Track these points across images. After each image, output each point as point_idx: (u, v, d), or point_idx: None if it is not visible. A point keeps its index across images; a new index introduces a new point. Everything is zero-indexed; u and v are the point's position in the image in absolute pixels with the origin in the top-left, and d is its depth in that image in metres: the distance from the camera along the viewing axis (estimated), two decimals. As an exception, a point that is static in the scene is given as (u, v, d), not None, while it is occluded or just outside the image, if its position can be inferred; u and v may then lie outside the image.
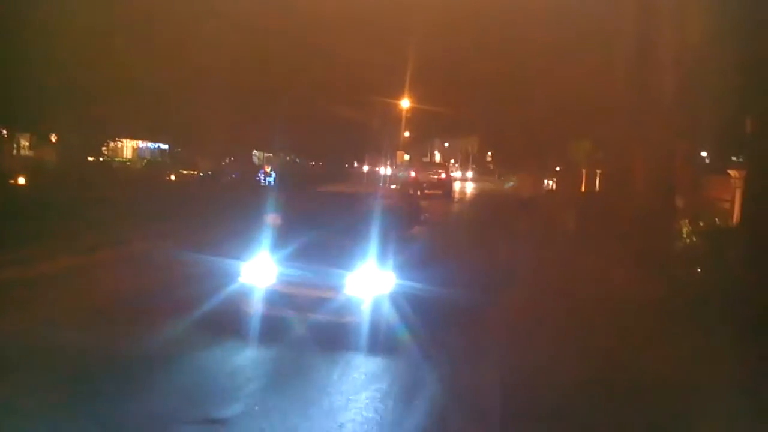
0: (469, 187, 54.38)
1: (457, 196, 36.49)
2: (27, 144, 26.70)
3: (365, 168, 46.74)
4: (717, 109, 16.17)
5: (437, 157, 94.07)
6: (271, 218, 8.16)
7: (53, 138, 21.95)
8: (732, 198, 15.85)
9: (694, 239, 12.43)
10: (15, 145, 25.50)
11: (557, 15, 22.58)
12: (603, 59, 20.31)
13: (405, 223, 8.20)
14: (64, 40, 15.09)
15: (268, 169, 30.78)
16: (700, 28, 13.37)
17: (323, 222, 7.47)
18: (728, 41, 12.71)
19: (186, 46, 18.99)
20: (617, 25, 19.11)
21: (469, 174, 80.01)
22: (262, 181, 28.37)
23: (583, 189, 30.94)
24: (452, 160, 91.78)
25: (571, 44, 22.65)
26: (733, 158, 23.08)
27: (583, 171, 33.43)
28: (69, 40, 15.24)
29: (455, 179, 56.24)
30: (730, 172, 16.41)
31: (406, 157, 62.66)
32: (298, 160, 43.38)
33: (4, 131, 22.10)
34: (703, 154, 24.97)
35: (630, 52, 18.32)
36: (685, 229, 13.02)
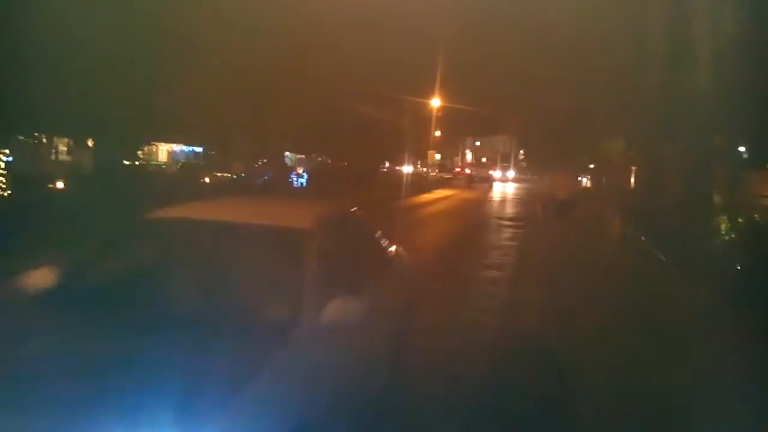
0: (511, 191, 48.06)
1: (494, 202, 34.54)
2: (64, 149, 27.20)
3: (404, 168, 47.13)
4: (754, 104, 15.88)
5: (468, 156, 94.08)
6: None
7: (90, 142, 22.35)
8: (772, 193, 15.56)
9: (733, 236, 12.21)
10: (53, 150, 26.03)
11: (590, 11, 22.37)
12: (636, 55, 20.06)
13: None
14: (99, 45, 15.35)
15: (300, 171, 30.99)
16: (735, 20, 13.13)
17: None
18: (765, 33, 12.48)
19: (219, 49, 19.19)
20: (651, 19, 18.87)
21: (510, 174, 75.26)
22: (295, 183, 28.56)
23: (627, 186, 30.46)
24: (484, 159, 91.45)
25: (604, 40, 22.42)
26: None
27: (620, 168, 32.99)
28: (104, 45, 15.50)
29: (495, 179, 61.94)
30: (770, 167, 16.12)
31: (438, 156, 62.54)
32: (330, 161, 43.52)
33: (43, 137, 22.58)
34: (741, 149, 24.53)
35: (664, 47, 18.07)
36: (723, 226, 12.79)
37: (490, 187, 52.66)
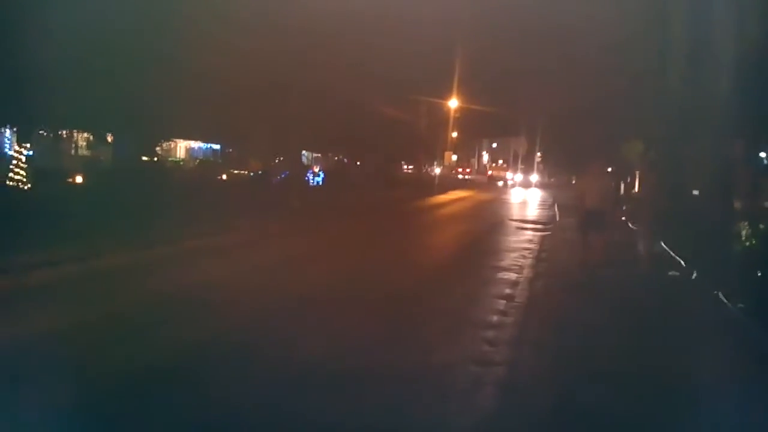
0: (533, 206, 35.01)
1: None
2: (84, 144, 27.41)
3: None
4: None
5: (485, 157, 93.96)
6: None
7: (109, 138, 22.49)
8: (793, 200, 15.31)
9: (754, 242, 12.03)
10: (73, 145, 26.24)
11: (608, 13, 22.16)
12: (658, 58, 19.85)
13: None
14: (119, 42, 15.41)
15: (316, 169, 31.01)
16: (756, 22, 12.92)
17: None
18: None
19: (238, 48, 19.21)
20: (673, 23, 18.66)
21: (534, 178, 66.60)
22: (311, 181, 28.59)
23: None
24: (500, 161, 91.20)
25: (625, 42, 22.19)
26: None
27: (636, 172, 32.69)
28: (124, 42, 15.56)
29: (515, 184, 61.37)
30: (792, 173, 15.89)
31: (454, 157, 62.37)
32: (346, 160, 43.55)
33: (63, 132, 22.74)
34: (762, 155, 24.16)
35: (686, 50, 17.86)
36: (744, 232, 12.60)
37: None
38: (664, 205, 12.13)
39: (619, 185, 23.22)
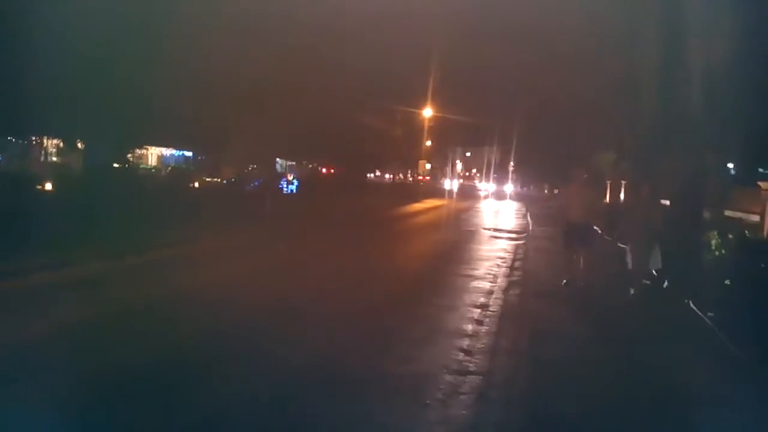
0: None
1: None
2: (54, 151, 26.99)
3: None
4: (744, 121, 15.90)
5: (459, 166, 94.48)
6: None
7: (80, 145, 22.17)
8: (762, 210, 15.59)
9: (723, 252, 12.22)
10: (42, 152, 25.81)
11: (581, 24, 22.43)
12: (629, 69, 20.13)
13: None
14: (90, 47, 15.23)
15: (290, 177, 30.89)
16: (727, 37, 13.18)
17: None
18: (756, 51, 12.54)
19: (210, 54, 19.10)
20: (643, 34, 18.93)
21: (509, 188, 64.75)
22: (285, 189, 28.46)
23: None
24: (474, 170, 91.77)
25: (596, 53, 22.48)
26: (760, 170, 22.75)
27: (608, 183, 33.11)
28: (94, 47, 15.38)
29: (487, 195, 58.23)
30: (761, 184, 16.16)
31: (428, 166, 62.62)
32: (324, 169, 43.50)
33: (33, 138, 22.37)
34: (729, 165, 24.57)
35: (655, 63, 18.13)
36: (713, 242, 12.80)
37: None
38: (656, 217, 11.23)
39: (602, 196, 22.46)
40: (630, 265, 11.16)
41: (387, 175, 56.58)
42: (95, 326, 7.27)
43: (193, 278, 10.47)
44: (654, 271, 11.19)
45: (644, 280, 11.02)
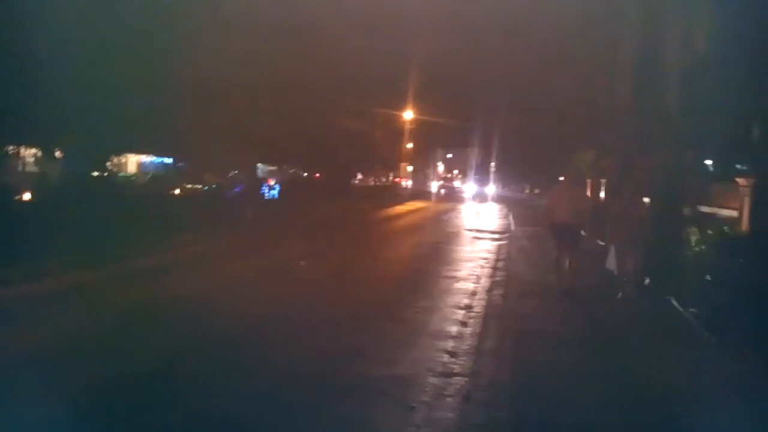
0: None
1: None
2: (32, 160, 26.69)
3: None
4: (722, 117, 16.10)
5: (440, 167, 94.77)
6: None
7: (58, 154, 21.93)
8: (740, 206, 15.76)
9: (704, 248, 12.34)
10: (20, 162, 25.50)
11: (560, 24, 22.60)
12: (608, 68, 20.30)
13: None
14: (67, 54, 15.07)
15: (272, 182, 30.74)
16: (705, 35, 13.34)
17: None
18: (734, 48, 12.69)
19: (189, 60, 18.99)
20: (622, 33, 19.12)
21: (491, 189, 61.93)
22: (267, 195, 28.33)
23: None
24: (456, 171, 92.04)
25: (575, 53, 22.66)
26: (738, 166, 23.01)
27: (588, 181, 33.32)
28: (71, 55, 15.23)
29: (467, 200, 53.33)
30: (738, 180, 16.33)
31: (410, 168, 62.73)
32: (303, 173, 43.38)
33: (10, 147, 22.07)
34: (708, 162, 24.82)
35: (635, 60, 18.33)
36: (693, 238, 12.92)
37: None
38: (640, 216, 10.91)
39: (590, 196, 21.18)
40: (615, 268, 10.87)
41: (369, 178, 56.52)
42: (76, 336, 7.21)
43: (172, 288, 10.41)
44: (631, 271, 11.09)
45: (624, 278, 11.00)
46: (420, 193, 52.44)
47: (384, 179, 57.42)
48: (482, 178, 69.54)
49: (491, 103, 43.65)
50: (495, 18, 27.04)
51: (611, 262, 11.01)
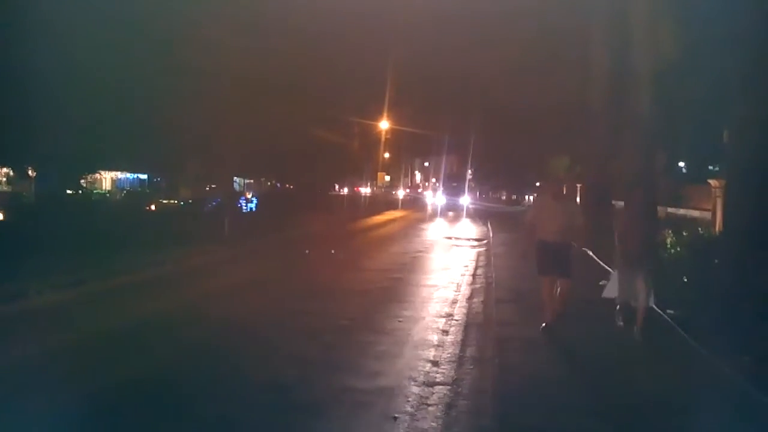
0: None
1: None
2: (4, 179, 26.37)
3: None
4: (693, 120, 16.36)
5: (417, 176, 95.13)
6: None
7: (30, 172, 21.68)
8: (713, 207, 15.98)
9: (679, 249, 12.49)
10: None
11: (533, 31, 22.83)
12: (580, 73, 20.52)
13: None
14: (39, 71, 14.91)
15: (249, 195, 30.59)
16: (676, 40, 13.56)
17: None
18: (704, 52, 12.91)
19: (163, 73, 18.89)
20: (594, 39, 19.37)
21: (465, 200, 47.69)
22: (244, 208, 28.18)
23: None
24: (433, 179, 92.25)
25: (547, 58, 22.89)
26: (710, 167, 23.37)
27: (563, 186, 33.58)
28: (44, 71, 15.06)
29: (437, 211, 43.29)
30: (711, 181, 16.57)
31: (387, 178, 62.83)
32: (279, 184, 43.21)
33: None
34: (681, 164, 25.15)
35: (606, 66, 18.57)
36: (669, 240, 13.07)
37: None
38: (650, 229, 9.27)
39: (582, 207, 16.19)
40: (616, 293, 9.03)
41: (344, 189, 56.17)
42: (51, 356, 7.11)
43: (150, 306, 10.29)
44: (612, 271, 9.94)
45: (602, 281, 10.68)
46: (387, 202, 51.49)
47: (356, 189, 56.03)
48: (458, 186, 53.92)
49: (467, 111, 43.83)
50: (471, 28, 27.26)
51: (611, 289, 9.19)
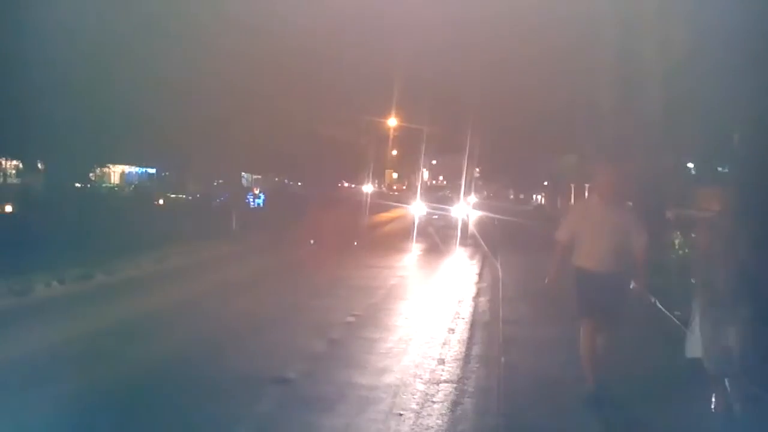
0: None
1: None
2: (13, 172, 26.47)
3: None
4: (703, 121, 16.27)
5: (425, 174, 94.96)
6: None
7: (40, 165, 21.76)
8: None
9: (687, 251, 12.43)
10: (1, 174, 25.29)
11: (545, 30, 22.75)
12: (590, 73, 20.43)
13: None
14: (49, 65, 14.97)
15: (256, 191, 30.64)
16: (686, 39, 13.49)
17: None
18: (715, 53, 12.83)
19: (174, 69, 18.93)
20: (603, 38, 19.27)
21: (460, 211, 30.37)
22: (252, 204, 28.22)
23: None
24: (441, 177, 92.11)
25: (557, 58, 22.79)
26: (719, 169, 23.23)
27: (572, 186, 33.57)
28: (54, 65, 15.12)
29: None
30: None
31: (395, 175, 62.87)
32: (287, 181, 43.27)
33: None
34: (690, 165, 25.01)
35: (616, 66, 18.48)
36: (677, 241, 13.03)
37: None
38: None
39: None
40: (703, 353, 5.58)
41: (352, 186, 55.99)
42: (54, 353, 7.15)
43: (158, 300, 10.35)
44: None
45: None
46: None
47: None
48: (451, 191, 43.33)
49: (475, 108, 43.74)
50: (479, 26, 27.19)
51: (695, 346, 5.74)
